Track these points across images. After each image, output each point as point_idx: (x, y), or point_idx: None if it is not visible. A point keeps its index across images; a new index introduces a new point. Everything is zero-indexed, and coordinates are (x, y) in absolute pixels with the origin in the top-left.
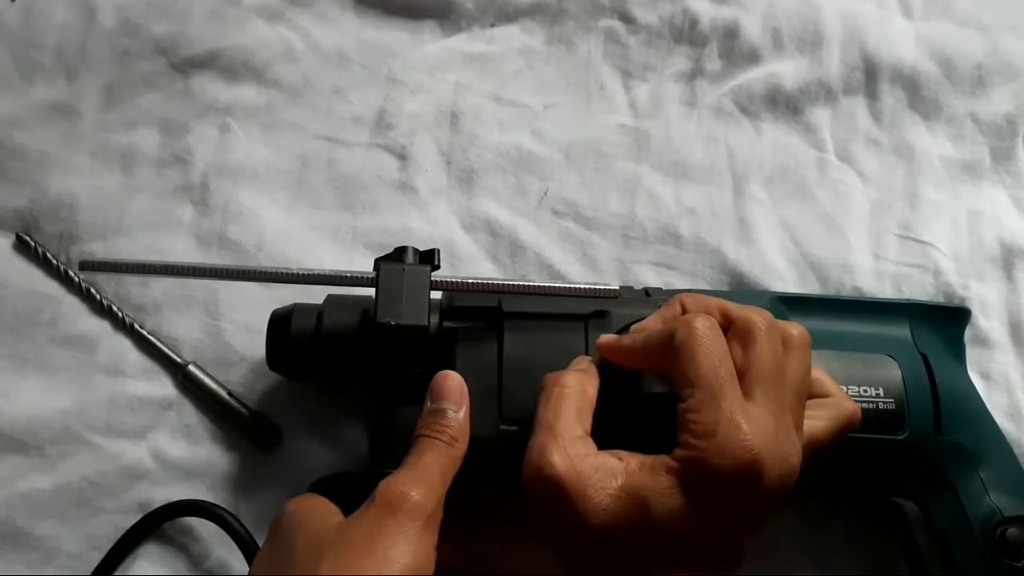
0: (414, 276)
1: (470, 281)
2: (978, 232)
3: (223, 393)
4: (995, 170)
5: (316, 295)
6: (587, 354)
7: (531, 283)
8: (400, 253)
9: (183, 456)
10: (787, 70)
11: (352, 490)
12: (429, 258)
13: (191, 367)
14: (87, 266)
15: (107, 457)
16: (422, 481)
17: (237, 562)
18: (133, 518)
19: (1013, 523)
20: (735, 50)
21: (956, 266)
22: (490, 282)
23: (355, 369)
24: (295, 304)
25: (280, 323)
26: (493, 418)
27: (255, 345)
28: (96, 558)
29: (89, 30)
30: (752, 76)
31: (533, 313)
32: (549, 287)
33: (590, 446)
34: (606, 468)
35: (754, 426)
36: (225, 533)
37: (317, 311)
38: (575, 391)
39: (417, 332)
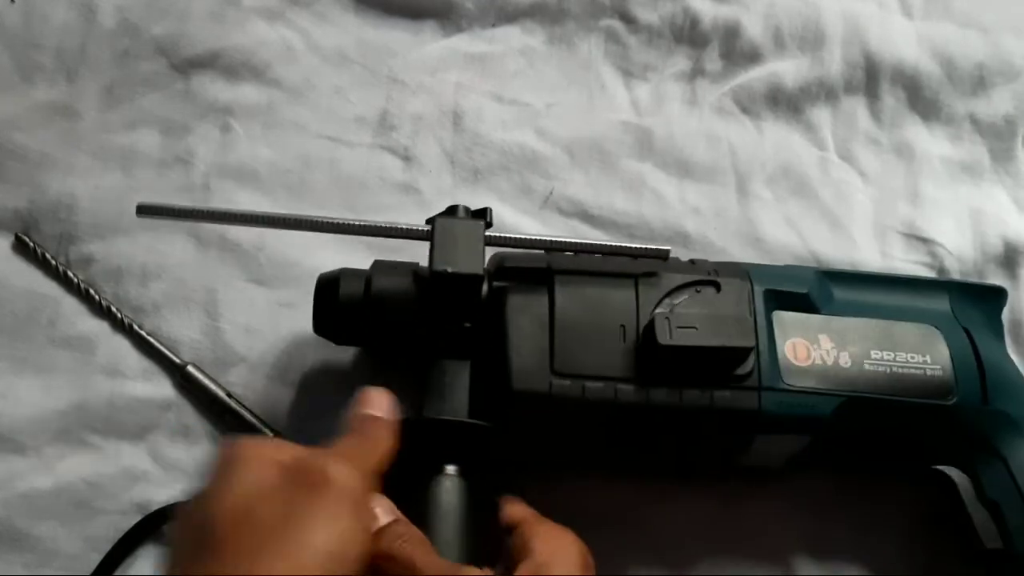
0: (468, 228)
1: (522, 237)
2: (981, 230)
3: (222, 394)
4: (995, 171)
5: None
6: (638, 312)
7: (583, 240)
8: (452, 210)
9: (182, 457)
10: (788, 69)
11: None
12: (481, 215)
13: (190, 368)
14: (144, 210)
15: (106, 458)
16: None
17: None
18: (132, 519)
19: None
20: (736, 50)
21: (960, 264)
22: (543, 239)
23: (405, 328)
24: (341, 269)
25: (327, 287)
26: (545, 373)
27: (254, 346)
28: (95, 559)
29: (89, 31)
30: (753, 75)
31: (584, 271)
32: (600, 245)
33: None
34: None
35: None
36: None
37: (365, 276)
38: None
39: (472, 281)
